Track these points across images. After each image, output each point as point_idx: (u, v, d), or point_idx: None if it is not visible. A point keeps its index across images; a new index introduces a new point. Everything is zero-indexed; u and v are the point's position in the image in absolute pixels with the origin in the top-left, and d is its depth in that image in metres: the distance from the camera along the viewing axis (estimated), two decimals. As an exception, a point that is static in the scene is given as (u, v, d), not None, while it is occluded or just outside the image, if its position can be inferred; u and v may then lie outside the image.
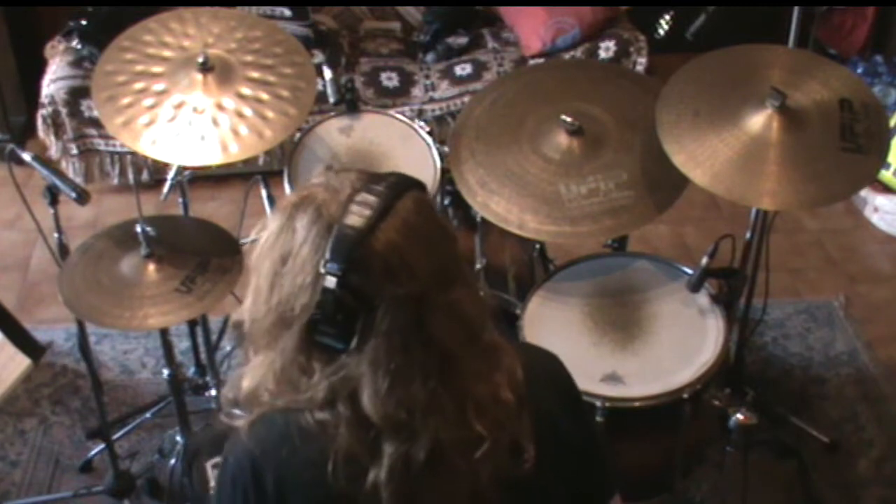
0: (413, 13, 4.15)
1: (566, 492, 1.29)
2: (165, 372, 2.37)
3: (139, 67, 2.26)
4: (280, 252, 1.14)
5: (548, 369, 1.34)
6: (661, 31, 2.57)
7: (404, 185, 1.16)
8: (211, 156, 2.16)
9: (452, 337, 1.14)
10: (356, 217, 1.10)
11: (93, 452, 2.70)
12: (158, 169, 3.47)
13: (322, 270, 1.10)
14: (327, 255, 1.10)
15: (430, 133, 2.56)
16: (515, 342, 1.29)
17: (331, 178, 1.18)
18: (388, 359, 1.11)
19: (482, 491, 1.17)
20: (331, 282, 1.09)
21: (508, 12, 4.03)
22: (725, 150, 2.04)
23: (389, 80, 3.81)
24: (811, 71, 2.17)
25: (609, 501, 1.39)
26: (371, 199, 1.12)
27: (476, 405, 1.16)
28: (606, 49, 3.86)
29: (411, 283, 1.11)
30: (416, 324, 1.12)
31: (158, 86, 2.23)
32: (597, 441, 1.39)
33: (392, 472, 1.14)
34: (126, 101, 2.21)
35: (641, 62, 3.84)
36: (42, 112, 3.63)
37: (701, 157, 2.04)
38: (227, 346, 2.97)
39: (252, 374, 1.20)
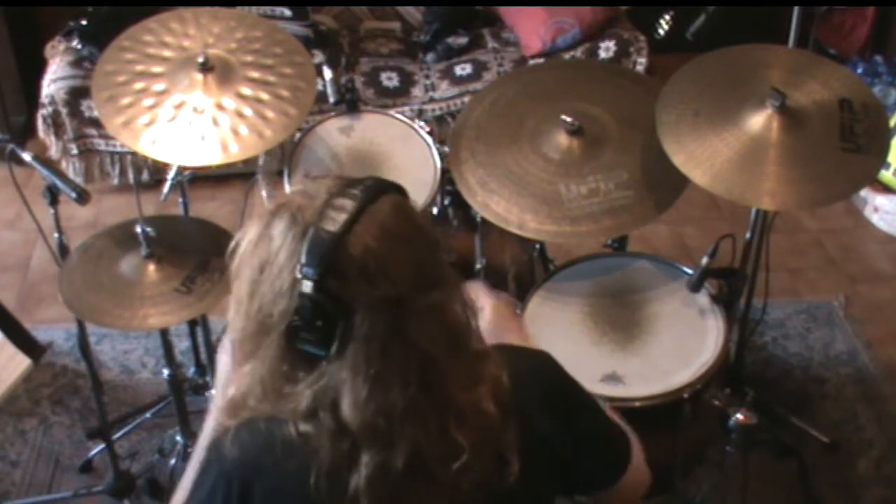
0: (413, 13, 4.15)
1: (559, 489, 1.28)
2: (165, 372, 2.37)
3: (139, 67, 2.26)
4: (258, 260, 1.13)
5: (536, 371, 1.32)
6: (661, 31, 2.57)
7: (381, 188, 1.15)
8: (211, 156, 2.15)
9: (433, 342, 1.13)
10: (331, 221, 1.10)
11: (93, 452, 2.70)
12: (158, 169, 3.47)
13: (298, 275, 1.09)
14: (303, 260, 1.09)
15: (430, 133, 2.55)
16: (502, 347, 1.27)
17: (307, 185, 1.17)
18: (368, 364, 1.11)
19: (463, 501, 1.16)
20: (307, 286, 1.09)
21: (508, 12, 4.03)
22: (725, 150, 2.04)
23: (389, 80, 3.81)
24: (811, 71, 2.17)
25: (617, 480, 1.38)
26: (346, 202, 1.11)
27: (457, 415, 1.15)
28: (606, 49, 3.86)
29: (389, 287, 1.10)
30: (395, 328, 1.11)
31: (158, 86, 2.23)
32: (596, 434, 1.36)
33: (371, 480, 1.13)
34: (126, 101, 2.21)
35: (641, 62, 3.84)
36: (42, 112, 3.63)
37: (701, 157, 2.04)
38: (227, 346, 2.97)
39: (238, 382, 1.19)
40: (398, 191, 1.18)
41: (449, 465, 1.14)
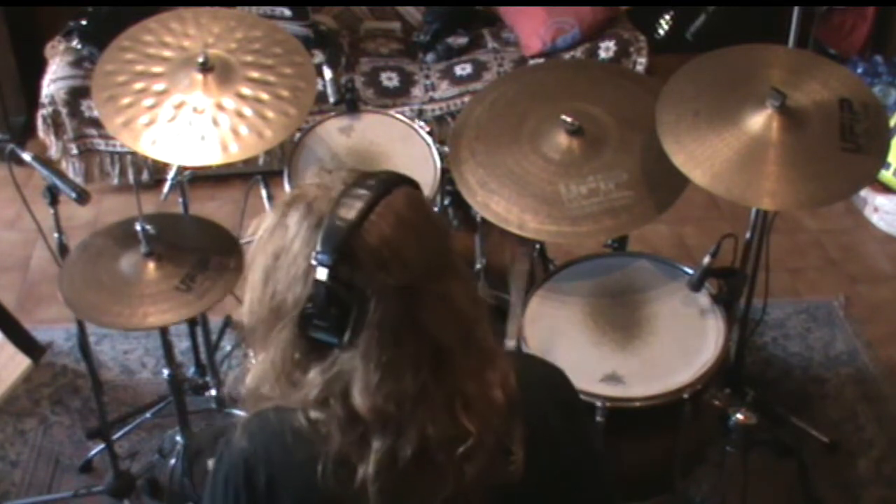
0: (413, 13, 4.15)
1: None
2: (165, 372, 2.37)
3: (139, 67, 2.26)
4: (273, 249, 1.15)
5: (547, 382, 1.33)
6: (661, 31, 2.57)
7: (395, 180, 1.18)
8: (211, 156, 2.16)
9: (444, 329, 1.15)
10: (347, 209, 1.11)
11: (93, 452, 2.70)
12: (158, 169, 3.47)
13: (313, 262, 1.11)
14: (318, 247, 1.11)
15: (430, 133, 2.56)
16: (516, 352, 1.28)
17: (323, 176, 1.19)
18: (380, 351, 1.12)
19: (467, 493, 1.16)
20: (322, 273, 1.10)
21: (508, 12, 4.03)
22: (725, 150, 2.04)
23: (389, 80, 3.81)
24: (811, 71, 2.17)
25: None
26: (362, 192, 1.13)
27: (465, 401, 1.16)
28: (606, 49, 3.85)
29: (402, 274, 1.12)
30: (408, 314, 1.13)
31: (158, 86, 2.23)
32: (596, 458, 1.37)
33: (379, 468, 1.14)
34: (126, 101, 2.21)
35: (641, 62, 3.84)
36: (42, 112, 3.63)
37: (701, 157, 2.04)
38: (227, 346, 2.97)
39: (253, 371, 1.20)
40: (411, 184, 1.20)
41: (454, 450, 1.15)
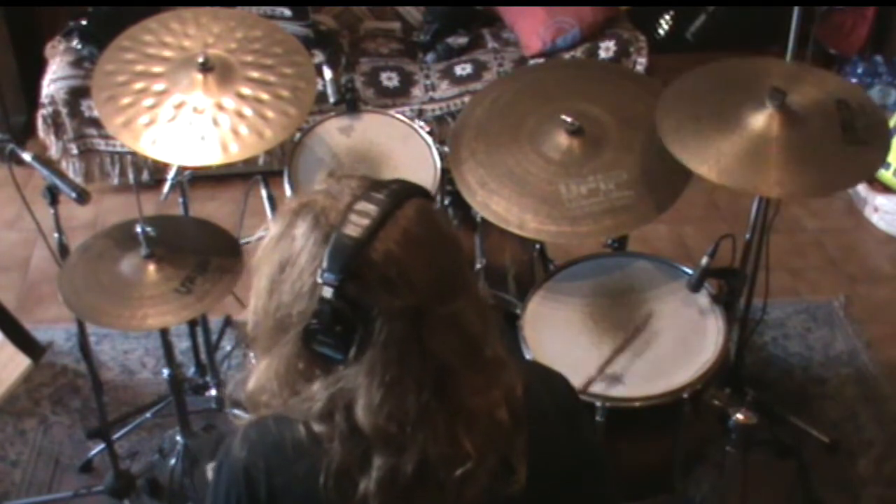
0: (413, 13, 4.15)
1: None
2: (165, 372, 2.37)
3: (139, 67, 2.26)
4: (279, 258, 1.13)
5: (550, 390, 1.31)
6: (661, 31, 2.57)
7: (406, 192, 1.14)
8: (211, 156, 2.15)
9: (451, 350, 1.13)
10: (354, 226, 1.09)
11: (93, 452, 2.70)
12: (158, 169, 3.47)
13: (319, 280, 1.09)
14: (324, 265, 1.08)
15: (430, 133, 2.56)
16: (520, 360, 1.27)
17: (332, 184, 1.16)
18: (384, 371, 1.10)
19: None
20: (327, 291, 1.08)
21: (508, 12, 4.03)
22: (730, 148, 2.03)
23: (389, 80, 3.81)
24: (807, 78, 2.17)
25: None
26: (370, 207, 1.10)
27: (467, 420, 1.14)
28: (606, 49, 3.86)
29: (410, 296, 1.09)
30: (414, 336, 1.11)
31: (158, 86, 2.23)
32: (599, 463, 1.36)
33: (380, 485, 1.13)
34: (126, 101, 2.21)
35: (641, 62, 3.84)
36: (42, 112, 3.63)
37: (706, 155, 2.03)
38: (227, 346, 2.97)
39: (256, 376, 1.19)
40: (424, 195, 1.17)
41: (453, 470, 1.14)
